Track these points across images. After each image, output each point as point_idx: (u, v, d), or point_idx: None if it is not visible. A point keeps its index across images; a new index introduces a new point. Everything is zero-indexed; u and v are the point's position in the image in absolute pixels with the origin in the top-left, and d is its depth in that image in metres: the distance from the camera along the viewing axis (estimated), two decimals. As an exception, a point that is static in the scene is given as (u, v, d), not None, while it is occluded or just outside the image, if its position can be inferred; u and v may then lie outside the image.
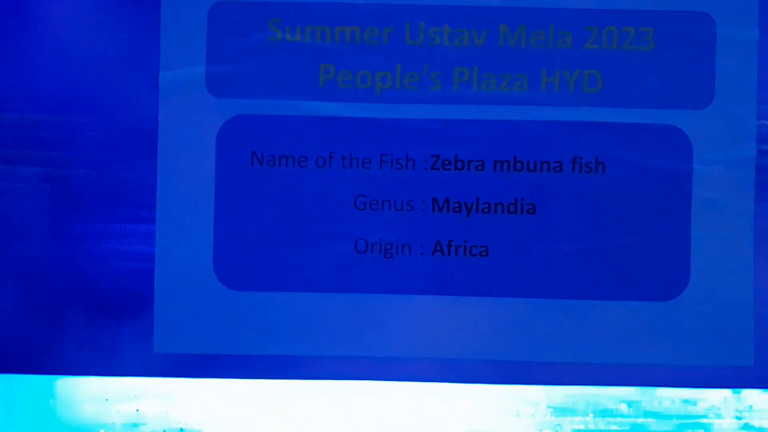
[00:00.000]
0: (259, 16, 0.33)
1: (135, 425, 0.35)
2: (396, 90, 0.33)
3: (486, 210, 0.33)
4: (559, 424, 0.35)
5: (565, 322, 0.33)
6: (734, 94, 0.33)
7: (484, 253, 0.33)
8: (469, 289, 0.33)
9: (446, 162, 0.33)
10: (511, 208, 0.33)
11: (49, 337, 0.34)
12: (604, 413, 0.35)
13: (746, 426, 0.35)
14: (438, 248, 0.33)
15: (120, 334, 0.34)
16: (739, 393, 0.35)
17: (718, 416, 0.35)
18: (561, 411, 0.35)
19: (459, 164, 0.33)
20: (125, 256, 0.34)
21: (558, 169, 0.33)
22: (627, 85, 0.33)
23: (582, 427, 0.35)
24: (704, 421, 0.35)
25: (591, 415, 0.35)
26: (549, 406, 0.35)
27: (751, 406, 0.35)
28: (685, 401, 0.35)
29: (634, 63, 0.33)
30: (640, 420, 0.35)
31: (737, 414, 0.35)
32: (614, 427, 0.35)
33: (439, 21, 0.33)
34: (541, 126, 0.33)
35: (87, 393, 0.35)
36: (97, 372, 0.34)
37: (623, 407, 0.35)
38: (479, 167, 0.33)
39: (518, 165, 0.33)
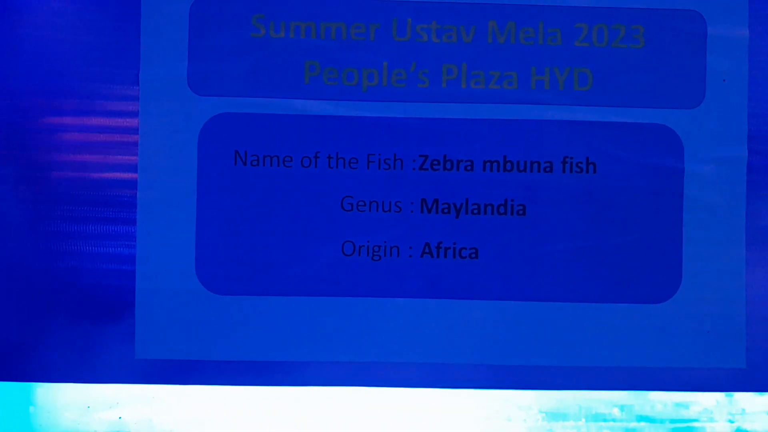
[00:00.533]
0: (241, 12, 0.32)
1: (117, 433, 0.35)
2: (383, 88, 0.32)
3: (475, 211, 0.32)
4: (551, 429, 0.35)
5: (556, 325, 0.33)
6: (725, 93, 0.33)
7: (473, 255, 0.32)
8: (459, 292, 0.33)
9: (435, 162, 0.32)
10: (501, 209, 0.33)
11: (28, 343, 0.33)
12: (596, 417, 0.35)
13: (739, 429, 0.35)
14: (427, 250, 0.32)
15: (101, 339, 0.33)
16: (731, 396, 0.35)
17: (711, 419, 0.35)
18: (553, 416, 0.35)
19: (448, 164, 0.32)
20: (106, 258, 0.33)
21: (548, 169, 0.33)
22: (618, 84, 0.33)
23: (574, 431, 0.35)
24: (697, 424, 0.35)
25: (583, 419, 0.35)
26: (541, 411, 0.35)
27: (743, 410, 0.35)
28: (678, 405, 0.35)
29: (625, 61, 0.33)
30: (632, 424, 0.35)
31: (730, 417, 0.35)
32: (606, 432, 0.35)
33: (426, 17, 0.32)
34: (531, 125, 0.32)
35: (68, 400, 0.34)
36: (77, 379, 0.33)
37: (615, 411, 0.35)
38: (468, 167, 0.32)
39: (508, 165, 0.33)
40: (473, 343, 0.33)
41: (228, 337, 0.33)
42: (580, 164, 0.33)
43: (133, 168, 0.33)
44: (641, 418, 0.35)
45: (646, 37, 0.33)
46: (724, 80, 0.33)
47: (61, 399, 0.34)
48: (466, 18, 0.32)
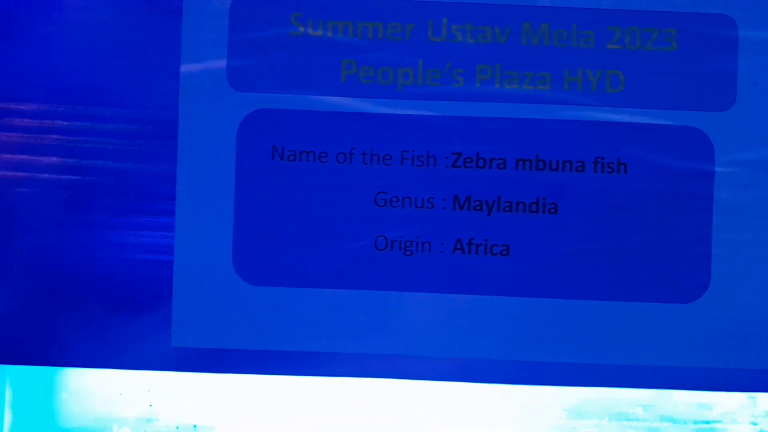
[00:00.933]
0: (280, 10, 0.33)
1: (148, 420, 0.35)
2: (418, 86, 0.33)
3: (507, 209, 0.33)
4: (574, 427, 0.35)
5: (585, 322, 0.33)
6: (756, 96, 0.33)
7: (504, 252, 0.33)
8: (489, 289, 0.33)
9: (468, 160, 0.33)
10: (533, 207, 0.33)
11: (66, 329, 0.34)
12: (619, 417, 0.35)
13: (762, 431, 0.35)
14: (458, 246, 0.33)
15: (138, 327, 0.33)
16: (754, 399, 0.35)
17: (734, 421, 0.35)
18: (576, 414, 0.35)
19: (480, 162, 0.33)
20: (144, 248, 0.33)
21: (580, 168, 0.33)
22: (649, 86, 0.33)
23: (597, 430, 0.35)
24: (719, 426, 0.35)
25: (606, 418, 0.35)
26: (564, 409, 0.35)
27: (766, 411, 0.35)
28: (701, 406, 0.35)
29: (657, 64, 0.33)
30: (655, 424, 0.35)
31: (753, 419, 0.35)
32: (629, 431, 0.35)
33: (461, 18, 0.33)
34: (563, 125, 0.33)
35: (100, 387, 0.35)
36: (113, 365, 0.34)
37: (639, 411, 0.35)
38: (501, 165, 0.33)
39: (540, 164, 0.33)
40: (502, 339, 0.33)
41: (262, 326, 0.33)
42: (611, 164, 0.33)
43: (172, 161, 0.33)
44: (664, 419, 0.35)
45: (678, 40, 0.33)
46: (754, 84, 0.33)
47: (93, 386, 0.35)
48: (501, 19, 0.33)
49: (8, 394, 0.35)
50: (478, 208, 0.33)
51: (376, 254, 0.33)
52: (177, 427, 0.35)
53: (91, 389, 0.35)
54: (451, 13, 0.33)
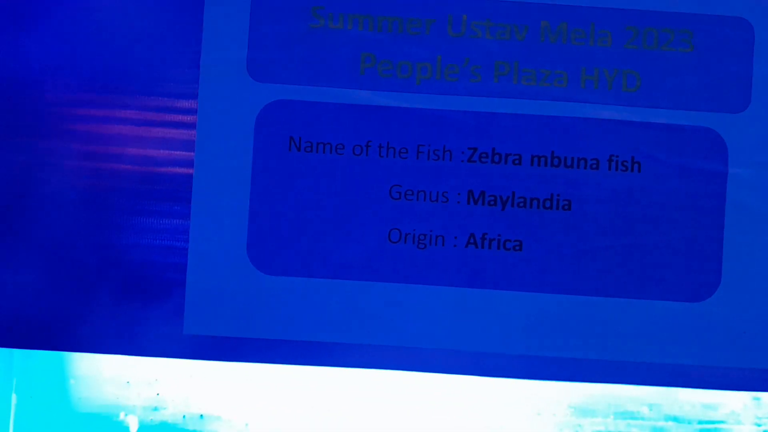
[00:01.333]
0: (301, 3, 0.33)
1: (155, 409, 0.35)
2: (436, 81, 0.33)
3: (521, 204, 0.33)
4: (579, 425, 0.35)
5: (595, 319, 0.33)
6: (770, 99, 0.33)
7: (517, 248, 0.33)
8: (501, 283, 0.33)
9: (483, 155, 0.33)
10: (547, 204, 0.33)
11: (78, 314, 0.34)
12: (624, 415, 0.35)
13: (766, 432, 0.35)
14: (472, 241, 0.33)
15: (150, 314, 0.34)
16: (759, 400, 0.35)
17: (738, 422, 0.35)
18: (582, 411, 0.35)
19: (496, 157, 0.33)
20: (159, 235, 0.34)
21: (594, 166, 0.33)
22: (665, 86, 0.33)
23: (602, 428, 0.35)
24: (724, 426, 0.35)
25: (612, 416, 0.35)
26: (570, 407, 0.35)
27: (771, 413, 0.35)
28: (706, 406, 0.35)
29: (673, 64, 0.33)
30: (660, 423, 0.35)
31: (757, 420, 0.35)
32: (634, 430, 0.35)
33: (481, 14, 0.33)
34: (579, 123, 0.33)
35: (109, 375, 0.35)
36: (124, 351, 0.34)
37: (644, 410, 0.35)
38: (516, 161, 0.33)
39: (555, 160, 0.33)
40: (512, 334, 0.33)
41: (275, 316, 0.33)
42: (625, 163, 0.33)
43: (190, 149, 0.33)
44: (669, 418, 0.35)
45: (694, 41, 0.33)
46: None
47: (102, 373, 0.35)
48: (520, 17, 0.33)
49: (15, 380, 0.35)
50: (492, 203, 0.33)
51: (389, 246, 0.33)
52: (184, 417, 0.35)
53: (98, 377, 0.35)
54: (471, 9, 0.33)
